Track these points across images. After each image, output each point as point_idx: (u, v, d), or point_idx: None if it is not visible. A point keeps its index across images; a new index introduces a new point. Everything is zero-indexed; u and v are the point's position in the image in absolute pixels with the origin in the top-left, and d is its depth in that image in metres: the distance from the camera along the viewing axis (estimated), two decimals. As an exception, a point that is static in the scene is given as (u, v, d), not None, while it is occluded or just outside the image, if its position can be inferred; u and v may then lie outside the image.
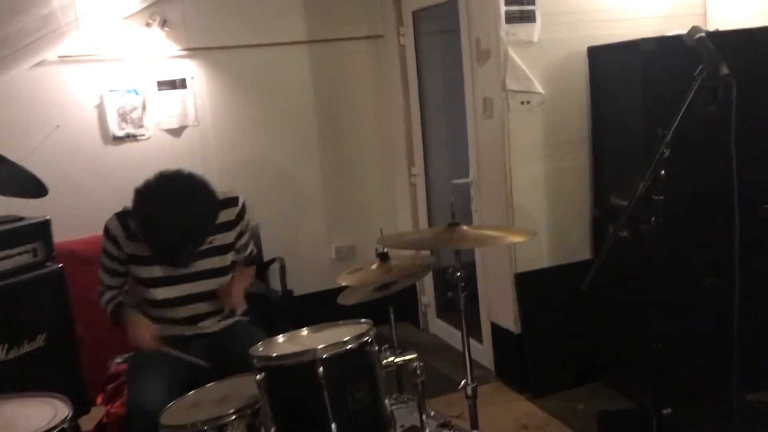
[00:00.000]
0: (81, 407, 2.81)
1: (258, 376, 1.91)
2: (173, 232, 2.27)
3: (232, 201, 2.56)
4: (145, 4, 3.84)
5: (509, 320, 3.47)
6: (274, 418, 1.92)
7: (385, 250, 2.56)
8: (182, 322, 2.53)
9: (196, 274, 2.50)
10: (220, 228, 2.52)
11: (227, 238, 2.55)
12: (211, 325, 2.57)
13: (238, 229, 2.58)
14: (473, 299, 3.71)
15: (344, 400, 1.91)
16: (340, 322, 2.17)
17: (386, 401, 2.02)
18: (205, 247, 2.48)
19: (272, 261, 4.00)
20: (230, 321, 2.61)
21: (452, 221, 2.37)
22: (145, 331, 2.44)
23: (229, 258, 2.57)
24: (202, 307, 2.55)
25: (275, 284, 3.98)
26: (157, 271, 2.46)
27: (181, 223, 2.27)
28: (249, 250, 2.70)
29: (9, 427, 1.86)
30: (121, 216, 2.45)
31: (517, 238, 2.59)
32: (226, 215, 2.54)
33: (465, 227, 2.37)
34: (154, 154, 3.91)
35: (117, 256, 2.48)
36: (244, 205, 2.59)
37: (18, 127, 3.70)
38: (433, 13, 4.07)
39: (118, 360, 2.90)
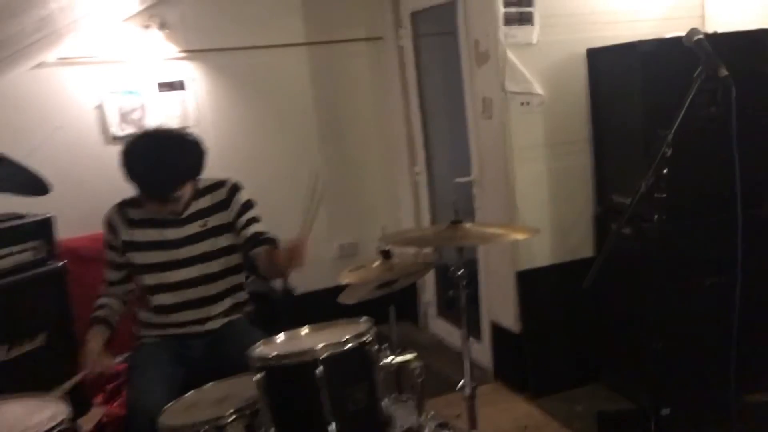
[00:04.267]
0: (80, 407, 2.81)
1: (257, 376, 1.91)
2: (158, 170, 2.36)
3: (219, 183, 2.61)
4: (144, 6, 3.85)
5: (510, 319, 3.47)
6: (272, 419, 1.92)
7: (388, 247, 2.56)
8: (180, 308, 2.54)
9: (192, 259, 2.52)
10: (212, 209, 2.56)
11: (221, 219, 2.57)
12: (210, 313, 2.57)
13: (234, 205, 2.57)
14: (474, 298, 3.71)
15: (343, 400, 1.90)
16: (340, 321, 2.17)
17: (385, 401, 2.02)
18: (198, 230, 2.52)
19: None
20: (229, 318, 2.62)
21: (455, 219, 2.37)
22: (91, 361, 2.40)
23: (223, 240, 2.57)
24: (199, 292, 2.55)
25: (276, 282, 3.98)
26: (153, 257, 2.51)
27: (165, 160, 2.37)
28: (261, 227, 2.58)
29: (9, 427, 1.86)
30: (121, 204, 2.55)
31: (519, 236, 2.59)
32: (216, 196, 2.58)
33: (468, 225, 2.37)
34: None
35: (115, 246, 2.54)
36: (234, 185, 2.61)
37: (18, 129, 3.70)
38: (432, 14, 4.07)
39: (118, 359, 2.89)
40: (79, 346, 2.48)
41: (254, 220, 2.59)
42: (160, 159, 2.37)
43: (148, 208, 2.49)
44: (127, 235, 2.52)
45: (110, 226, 2.55)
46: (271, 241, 2.54)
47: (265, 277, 2.67)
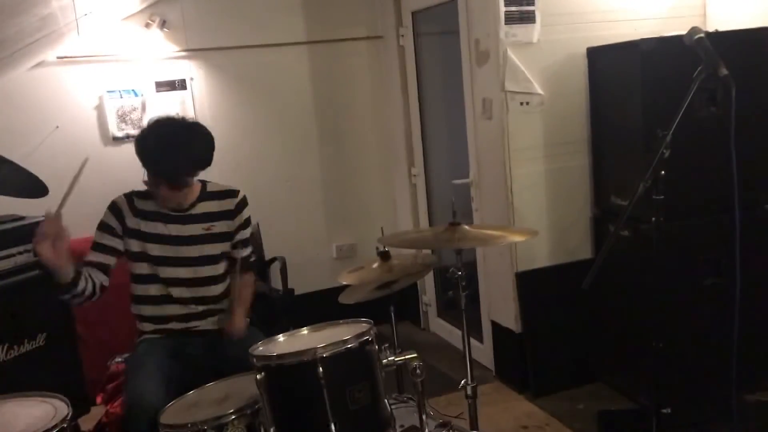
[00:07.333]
0: (81, 407, 2.82)
1: (258, 376, 1.91)
2: (172, 152, 2.39)
3: (232, 192, 2.64)
4: (145, 5, 3.85)
5: (510, 319, 3.48)
6: (273, 418, 1.92)
7: (386, 249, 2.57)
8: (177, 303, 2.54)
9: (192, 260, 2.53)
10: (219, 215, 2.58)
11: (225, 226, 2.59)
12: (207, 314, 2.57)
13: (238, 220, 2.61)
14: (474, 298, 3.71)
15: (344, 399, 1.90)
16: (341, 321, 2.17)
17: (386, 401, 2.02)
18: (202, 232, 2.54)
19: (273, 260, 4.01)
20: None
21: (453, 220, 2.37)
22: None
23: (223, 247, 2.59)
24: (198, 292, 2.55)
25: (276, 283, 3.99)
26: (155, 249, 2.51)
27: (179, 143, 2.40)
28: (249, 251, 2.69)
29: (9, 427, 1.86)
30: (130, 194, 2.56)
31: (517, 238, 2.59)
32: (225, 204, 2.60)
33: (466, 227, 2.36)
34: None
35: (113, 229, 2.51)
36: (244, 198, 2.64)
37: (18, 128, 3.71)
38: (433, 13, 4.07)
39: (118, 359, 2.90)
40: (78, 346, 2.47)
41: (246, 242, 2.67)
42: (174, 142, 2.41)
43: (156, 200, 2.50)
44: (134, 223, 2.52)
45: (117, 210, 2.53)
46: (250, 266, 2.71)
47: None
